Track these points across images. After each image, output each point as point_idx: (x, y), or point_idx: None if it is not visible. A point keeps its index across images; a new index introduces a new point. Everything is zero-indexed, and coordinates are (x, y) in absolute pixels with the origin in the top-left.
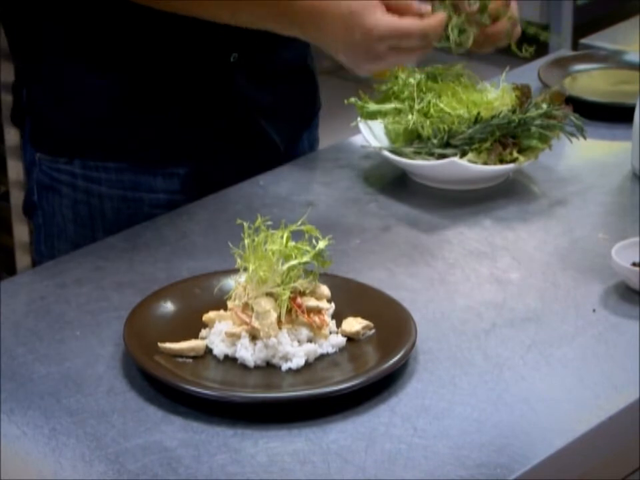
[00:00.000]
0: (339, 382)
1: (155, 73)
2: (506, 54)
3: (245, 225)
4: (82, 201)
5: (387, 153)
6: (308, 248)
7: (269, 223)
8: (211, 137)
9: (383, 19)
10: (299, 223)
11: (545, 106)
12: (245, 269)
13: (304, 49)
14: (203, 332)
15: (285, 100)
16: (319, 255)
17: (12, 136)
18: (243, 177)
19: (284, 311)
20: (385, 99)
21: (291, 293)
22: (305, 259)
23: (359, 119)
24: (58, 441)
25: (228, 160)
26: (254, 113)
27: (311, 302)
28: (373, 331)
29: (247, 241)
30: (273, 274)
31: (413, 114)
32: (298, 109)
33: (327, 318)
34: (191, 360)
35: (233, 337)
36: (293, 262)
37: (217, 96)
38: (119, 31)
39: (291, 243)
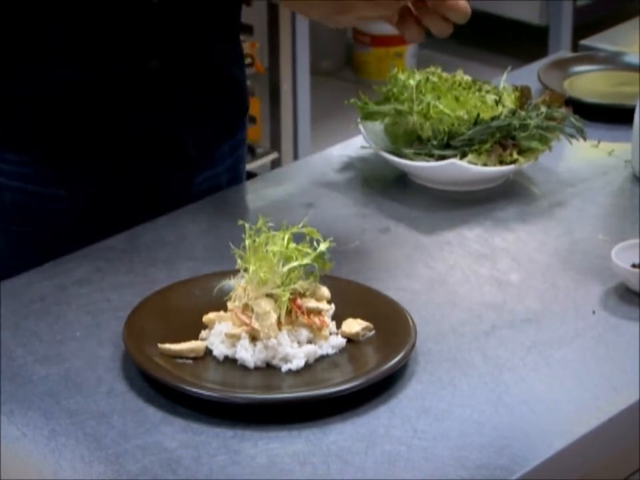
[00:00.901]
0: (339, 383)
1: (74, 70)
2: (506, 55)
3: (247, 225)
4: None
5: (386, 154)
6: (309, 250)
7: (270, 224)
8: (124, 138)
9: None
10: (300, 225)
11: (544, 107)
12: (245, 270)
13: (230, 57)
14: (203, 333)
15: (205, 107)
16: (319, 257)
17: None
18: (150, 182)
19: (284, 312)
20: (384, 100)
21: (291, 294)
22: (306, 260)
23: (358, 120)
24: (57, 442)
25: (137, 164)
26: (170, 117)
27: (311, 303)
28: (373, 332)
29: (247, 242)
30: (273, 275)
31: (412, 115)
32: (218, 117)
33: (327, 319)
34: (190, 361)
35: (233, 338)
36: (294, 263)
37: (134, 98)
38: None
39: (292, 245)
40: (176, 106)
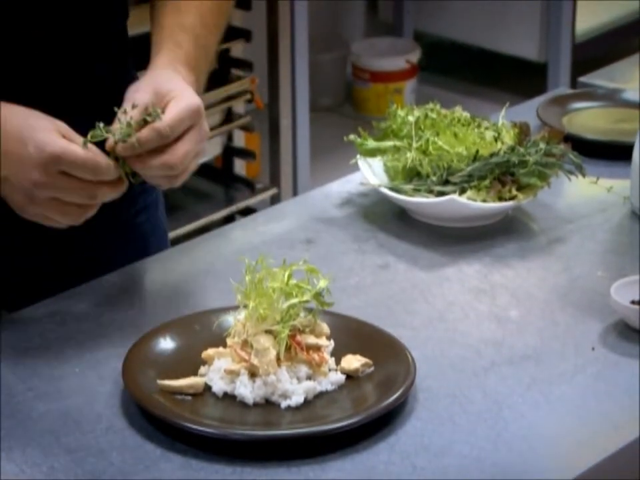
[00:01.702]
0: (338, 420)
1: None
2: (504, 91)
3: (247, 261)
4: None
5: (385, 190)
6: (309, 287)
7: (271, 260)
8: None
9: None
10: (301, 262)
11: (543, 144)
12: (245, 306)
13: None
14: (202, 369)
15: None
16: (319, 294)
17: None
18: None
19: (283, 348)
20: (383, 136)
21: (290, 330)
22: (306, 297)
23: (357, 156)
24: (56, 478)
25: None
26: None
27: (310, 339)
28: (372, 368)
29: (247, 278)
30: (272, 312)
31: (411, 151)
32: None
33: (326, 355)
34: (190, 397)
35: (232, 374)
36: (294, 300)
37: None
38: None
39: (292, 281)
40: None
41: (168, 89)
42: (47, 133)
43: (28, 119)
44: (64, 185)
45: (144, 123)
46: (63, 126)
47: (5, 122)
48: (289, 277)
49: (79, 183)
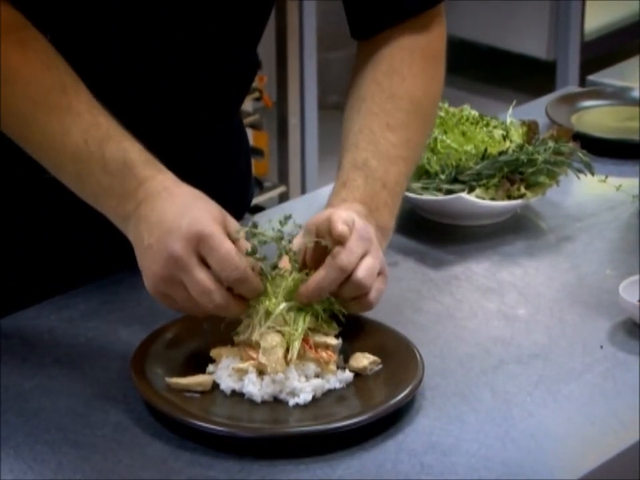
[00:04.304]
0: (346, 418)
1: None
2: (513, 89)
3: (259, 261)
4: None
5: None
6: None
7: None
8: None
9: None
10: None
11: (552, 142)
12: (254, 304)
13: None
14: (210, 367)
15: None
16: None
17: None
18: None
19: (295, 353)
20: None
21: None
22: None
23: None
24: (64, 475)
25: None
26: None
27: (319, 337)
28: (380, 366)
29: (260, 276)
30: (281, 310)
31: None
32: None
33: (335, 353)
34: (198, 395)
35: (240, 372)
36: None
37: None
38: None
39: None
40: None
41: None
42: (205, 214)
43: (196, 198)
44: (196, 273)
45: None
46: (226, 218)
47: (174, 196)
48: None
49: (206, 280)
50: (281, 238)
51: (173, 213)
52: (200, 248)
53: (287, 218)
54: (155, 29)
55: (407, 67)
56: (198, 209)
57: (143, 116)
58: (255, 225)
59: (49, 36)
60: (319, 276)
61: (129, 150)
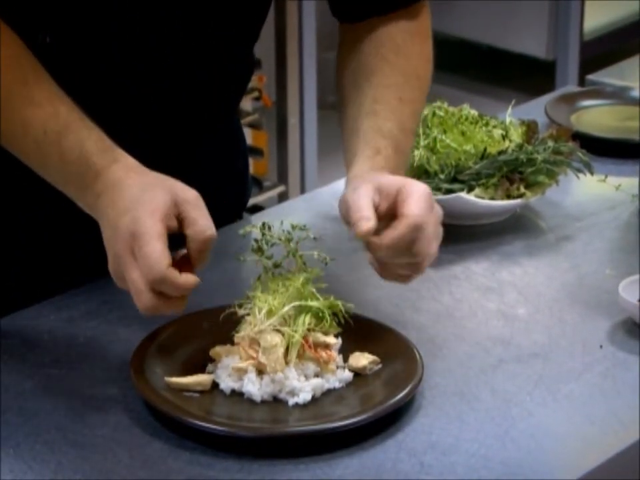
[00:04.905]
0: (346, 417)
1: None
2: (512, 89)
3: (264, 260)
4: None
5: None
6: (319, 296)
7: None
8: None
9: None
10: (315, 254)
11: (551, 142)
12: (254, 304)
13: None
14: (210, 366)
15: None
16: (332, 305)
17: None
18: None
19: (294, 354)
20: None
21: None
22: (317, 304)
23: None
24: (64, 475)
25: None
26: None
27: (318, 337)
28: (380, 366)
29: (262, 275)
30: (281, 309)
31: (419, 149)
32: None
33: (334, 353)
34: (197, 394)
35: (240, 372)
36: (304, 302)
37: None
38: None
39: (310, 288)
40: None
41: (390, 183)
42: (145, 210)
43: (144, 190)
44: (130, 273)
45: None
46: (174, 205)
47: (123, 190)
48: (304, 282)
49: (137, 280)
50: (290, 240)
51: (118, 209)
52: (132, 244)
53: (302, 228)
54: (155, 28)
55: (409, 47)
56: (140, 204)
57: (142, 116)
58: (267, 227)
59: (49, 36)
60: (395, 232)
61: (85, 139)
